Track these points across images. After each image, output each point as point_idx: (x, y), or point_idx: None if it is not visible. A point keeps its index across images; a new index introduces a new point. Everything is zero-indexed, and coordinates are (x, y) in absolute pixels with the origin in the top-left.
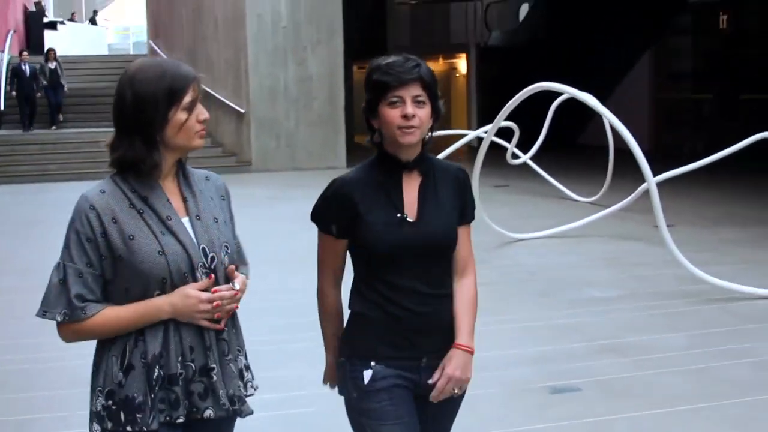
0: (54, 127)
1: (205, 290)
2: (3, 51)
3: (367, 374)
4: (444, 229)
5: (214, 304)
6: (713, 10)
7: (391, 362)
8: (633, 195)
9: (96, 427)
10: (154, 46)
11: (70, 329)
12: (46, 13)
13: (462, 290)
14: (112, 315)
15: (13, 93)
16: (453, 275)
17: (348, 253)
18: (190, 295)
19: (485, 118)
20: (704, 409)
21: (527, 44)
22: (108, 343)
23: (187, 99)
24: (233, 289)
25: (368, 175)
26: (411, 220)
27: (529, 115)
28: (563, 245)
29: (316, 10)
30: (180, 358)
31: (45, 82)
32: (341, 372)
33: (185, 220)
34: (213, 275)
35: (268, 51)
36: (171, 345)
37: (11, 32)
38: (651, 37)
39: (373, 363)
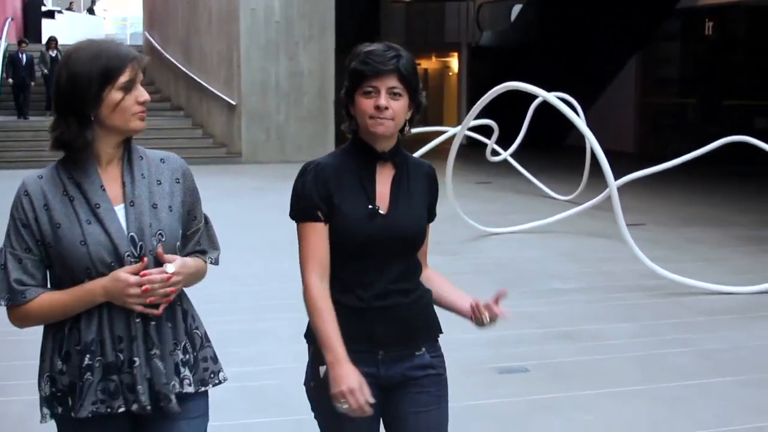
0: (49, 113)
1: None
2: (0, 39)
3: (322, 369)
4: (414, 223)
5: (143, 288)
6: (700, 16)
7: (349, 354)
8: (601, 195)
9: (46, 411)
10: (149, 38)
11: (15, 313)
12: (45, 1)
13: (436, 275)
14: (51, 299)
15: (9, 80)
16: (421, 267)
17: None
18: (120, 279)
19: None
20: (643, 391)
21: (518, 45)
22: (50, 329)
23: (123, 78)
24: (165, 273)
25: (342, 162)
26: (383, 213)
27: (516, 115)
28: (534, 240)
29: (309, 7)
30: (113, 346)
31: (45, 71)
32: (309, 356)
33: (119, 207)
34: (145, 258)
35: (260, 45)
36: (105, 333)
37: (9, 20)
38: (639, 42)
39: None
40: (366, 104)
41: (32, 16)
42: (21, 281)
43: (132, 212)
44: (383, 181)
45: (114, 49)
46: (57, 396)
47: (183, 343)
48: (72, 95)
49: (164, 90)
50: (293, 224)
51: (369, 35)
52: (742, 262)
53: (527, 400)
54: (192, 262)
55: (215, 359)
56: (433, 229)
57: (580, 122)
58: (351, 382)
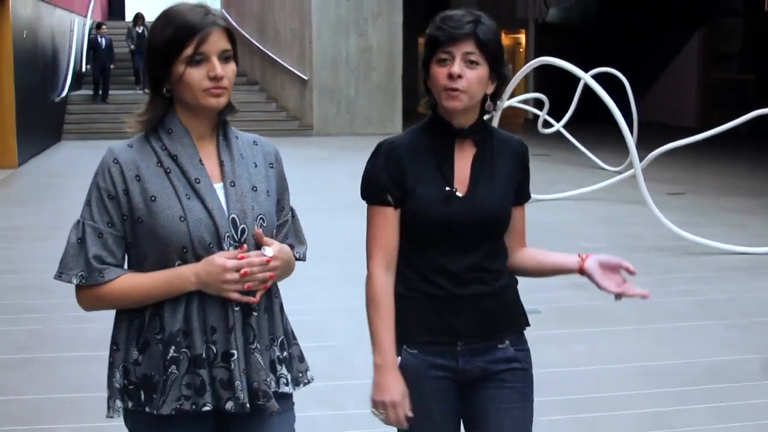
0: (138, 87)
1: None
2: (86, 16)
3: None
4: (497, 207)
5: (242, 272)
6: None
7: (424, 347)
8: (638, 165)
9: (119, 404)
10: (226, 14)
11: (88, 294)
12: None
13: (535, 249)
14: (132, 282)
15: (88, 66)
16: (507, 254)
17: None
18: (216, 263)
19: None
20: (637, 329)
21: (582, 22)
22: (125, 314)
23: (188, 51)
24: (264, 255)
25: (418, 140)
26: (460, 195)
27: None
28: (574, 206)
29: None
30: (204, 338)
31: (132, 47)
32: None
33: (218, 185)
34: (245, 246)
35: (331, 22)
36: (194, 323)
37: None
38: (701, 18)
39: (405, 347)
40: (439, 73)
41: None
42: (100, 258)
43: (233, 192)
44: (463, 160)
45: (183, 16)
46: (128, 389)
47: (280, 339)
48: (149, 67)
49: (240, 65)
50: (353, 186)
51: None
52: (765, 228)
53: (533, 335)
54: (288, 249)
55: (302, 357)
56: None
57: (605, 95)
58: (395, 394)
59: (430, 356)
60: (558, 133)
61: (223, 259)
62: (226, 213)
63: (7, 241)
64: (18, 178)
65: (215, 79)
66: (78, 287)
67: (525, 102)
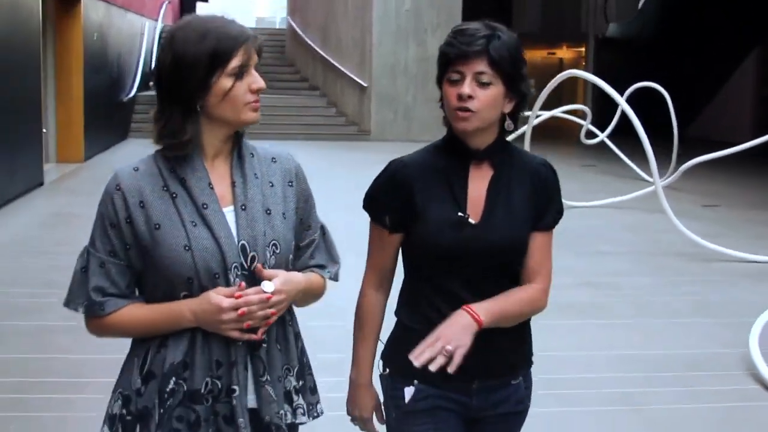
0: None
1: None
2: (157, 20)
3: (408, 391)
4: (511, 236)
5: (239, 311)
6: None
7: (436, 383)
8: (656, 174)
9: (106, 430)
10: (291, 22)
11: (91, 323)
12: None
13: (519, 289)
14: (132, 315)
15: None
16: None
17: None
18: (212, 302)
19: (601, 108)
20: (629, 324)
21: (641, 37)
22: (138, 342)
23: (234, 63)
24: (263, 292)
25: (431, 160)
26: (473, 222)
27: (647, 105)
28: (605, 213)
29: None
30: (207, 373)
31: None
32: (383, 387)
33: (228, 209)
34: (243, 283)
35: (391, 32)
36: (197, 356)
37: (166, 3)
38: (758, 36)
39: (416, 382)
40: (450, 93)
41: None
42: (102, 289)
43: (244, 217)
44: (478, 184)
45: (224, 28)
46: (125, 419)
47: (296, 368)
48: (176, 82)
49: (303, 70)
50: None
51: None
52: None
53: (538, 326)
54: (300, 278)
55: (314, 389)
56: None
57: (627, 107)
58: (364, 410)
59: (443, 390)
60: (605, 144)
61: (219, 297)
62: (236, 239)
63: (67, 226)
64: (83, 172)
65: (258, 92)
66: (85, 315)
67: (572, 113)
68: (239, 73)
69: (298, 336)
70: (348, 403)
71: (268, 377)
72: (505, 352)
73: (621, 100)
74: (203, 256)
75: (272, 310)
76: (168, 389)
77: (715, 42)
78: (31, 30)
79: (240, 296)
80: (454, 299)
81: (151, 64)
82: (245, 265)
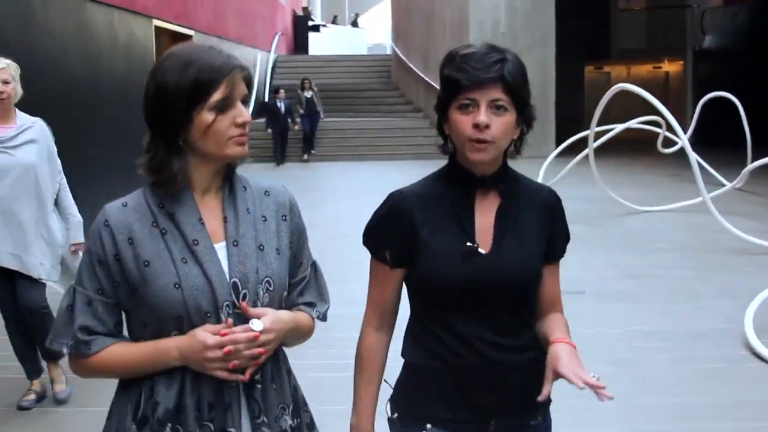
0: (305, 156)
1: None
2: (269, 51)
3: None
4: (524, 265)
5: (225, 350)
6: None
7: (450, 425)
8: (735, 181)
9: None
10: (395, 48)
11: (77, 363)
12: (312, 17)
13: (558, 316)
14: (118, 354)
15: (268, 131)
16: (536, 318)
17: (404, 286)
18: (197, 339)
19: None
20: (653, 306)
21: (734, 50)
22: (126, 384)
23: (216, 96)
24: (251, 331)
25: (434, 190)
26: (483, 252)
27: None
28: (670, 216)
29: (531, 19)
30: (198, 415)
31: (302, 111)
32: (392, 430)
33: (220, 245)
34: (230, 320)
35: None
36: (187, 399)
37: (278, 34)
38: None
39: (428, 426)
40: (462, 122)
41: (301, 30)
42: (88, 328)
43: (236, 253)
44: (485, 212)
45: (207, 58)
46: None
47: (291, 407)
48: (159, 114)
49: (407, 94)
50: None
51: (603, 39)
52: None
53: (570, 310)
54: (289, 317)
55: (312, 425)
56: (590, 205)
57: (663, 109)
58: None
59: None
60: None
61: (205, 335)
62: (227, 277)
63: None
64: None
65: (243, 125)
66: (69, 355)
67: (651, 123)
68: (221, 106)
69: (290, 373)
70: None
71: (264, 419)
72: (521, 389)
73: (666, 112)
74: (193, 294)
75: (260, 350)
76: None
77: None
78: (146, 66)
79: (225, 334)
80: (464, 337)
81: (264, 94)
82: (237, 303)
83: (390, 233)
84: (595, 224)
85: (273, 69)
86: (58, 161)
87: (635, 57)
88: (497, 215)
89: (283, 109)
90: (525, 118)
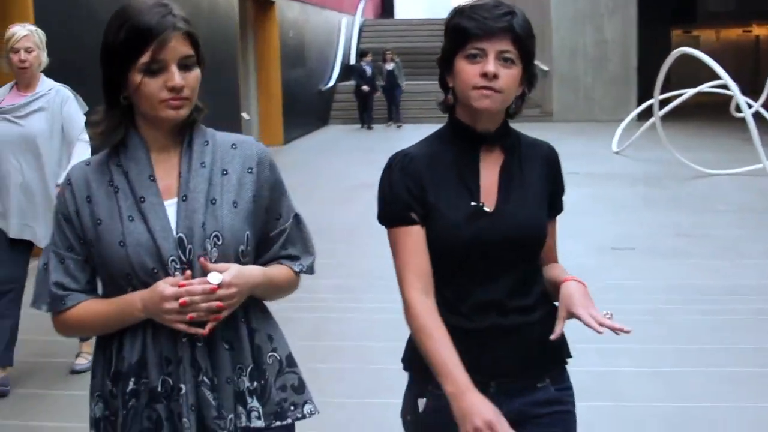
0: (390, 123)
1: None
2: (355, 15)
3: (421, 402)
4: (531, 222)
5: (180, 301)
6: None
7: None
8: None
9: None
10: None
11: (57, 321)
12: None
13: (552, 264)
14: (89, 309)
15: (364, 88)
16: (541, 278)
17: None
18: (155, 290)
19: None
20: (702, 263)
21: None
22: (100, 342)
23: (144, 59)
24: (208, 283)
25: (436, 149)
26: (489, 210)
27: None
28: (739, 179)
29: None
30: (160, 370)
31: (383, 83)
32: (407, 385)
33: (170, 201)
34: (189, 272)
35: (569, 16)
36: (149, 354)
37: None
38: None
39: (430, 387)
40: (469, 71)
41: None
42: (62, 284)
43: (183, 208)
44: (489, 170)
45: (140, 18)
46: (110, 420)
47: (248, 368)
48: (104, 69)
49: None
50: (580, 160)
51: (686, 4)
52: None
53: (617, 264)
54: (258, 272)
55: (299, 388)
56: (657, 167)
57: (724, 74)
58: (485, 413)
59: None
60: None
61: (164, 285)
62: (174, 233)
63: None
64: (280, 154)
65: (174, 90)
66: (51, 313)
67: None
68: (148, 69)
69: (254, 333)
70: (461, 420)
71: (205, 379)
72: (529, 350)
73: (726, 77)
74: (137, 251)
75: (219, 303)
76: (129, 390)
77: None
78: (229, 31)
79: (183, 285)
80: (472, 297)
81: (349, 56)
82: (184, 258)
83: (409, 192)
84: (661, 186)
85: (360, 33)
86: (80, 128)
87: (723, 20)
88: (501, 173)
89: (369, 72)
90: (529, 76)
